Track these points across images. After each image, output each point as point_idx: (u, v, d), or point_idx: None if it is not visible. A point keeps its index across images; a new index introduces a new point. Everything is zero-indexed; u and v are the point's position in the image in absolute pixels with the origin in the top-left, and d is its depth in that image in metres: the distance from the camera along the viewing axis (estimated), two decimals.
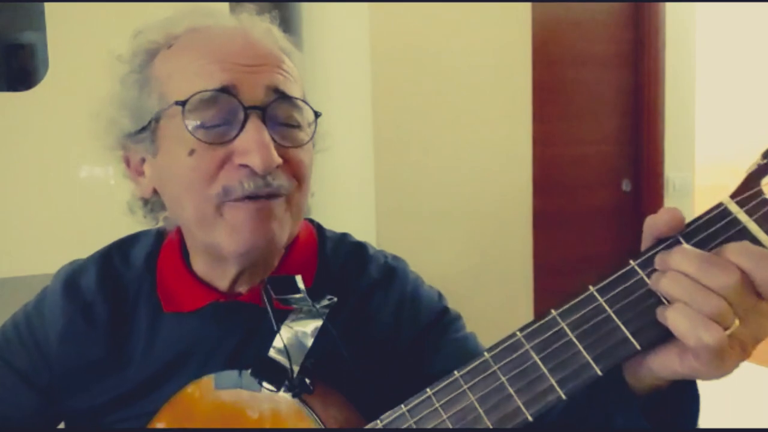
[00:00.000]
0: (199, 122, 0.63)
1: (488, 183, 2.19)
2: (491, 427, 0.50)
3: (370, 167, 2.04)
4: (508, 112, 2.21)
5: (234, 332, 0.70)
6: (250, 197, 0.63)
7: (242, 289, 0.71)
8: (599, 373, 0.48)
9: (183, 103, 0.63)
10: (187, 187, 0.64)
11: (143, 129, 0.66)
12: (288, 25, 2.57)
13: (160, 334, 0.72)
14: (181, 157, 0.64)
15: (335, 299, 0.66)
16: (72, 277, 0.76)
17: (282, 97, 0.65)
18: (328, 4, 2.18)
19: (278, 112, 0.65)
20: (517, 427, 0.50)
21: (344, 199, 2.24)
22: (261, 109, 0.64)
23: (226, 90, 0.63)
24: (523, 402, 0.50)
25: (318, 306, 0.65)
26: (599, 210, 2.49)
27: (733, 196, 0.49)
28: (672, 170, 2.61)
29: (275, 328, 0.64)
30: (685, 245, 0.48)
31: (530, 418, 0.49)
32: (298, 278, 0.64)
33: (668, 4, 2.52)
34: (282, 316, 0.67)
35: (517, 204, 2.25)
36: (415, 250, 2.07)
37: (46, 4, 1.74)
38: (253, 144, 0.62)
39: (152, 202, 0.71)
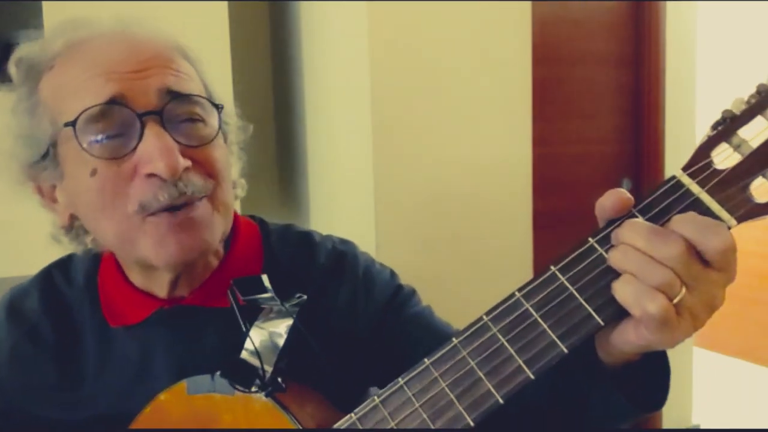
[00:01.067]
0: (94, 139, 0.61)
1: (488, 182, 2.18)
2: (463, 411, 0.51)
3: (368, 166, 2.03)
4: (508, 110, 2.20)
5: (183, 336, 0.70)
6: (169, 209, 0.61)
7: (183, 293, 0.70)
8: (565, 351, 0.49)
9: (73, 124, 0.61)
10: (101, 208, 0.63)
11: (43, 157, 0.64)
12: (286, 23, 2.54)
13: (112, 350, 0.71)
14: (85, 178, 0.62)
15: (304, 297, 0.65)
16: (14, 301, 0.76)
17: (177, 97, 0.63)
18: (327, 2, 2.17)
19: (176, 113, 0.63)
20: (490, 409, 0.50)
21: (342, 198, 2.23)
22: (157, 114, 0.61)
23: (115, 101, 0.60)
24: (493, 384, 0.50)
25: (287, 305, 0.64)
26: None
27: (685, 169, 0.50)
28: (672, 168, 2.58)
29: (244, 329, 0.64)
30: (636, 219, 0.49)
31: (501, 400, 0.50)
32: (264, 278, 0.63)
33: (669, 3, 2.51)
34: (226, 315, 0.67)
35: (517, 203, 2.24)
36: (414, 250, 2.07)
37: (44, 3, 1.74)
38: (155, 150, 0.60)
39: (75, 228, 0.69)
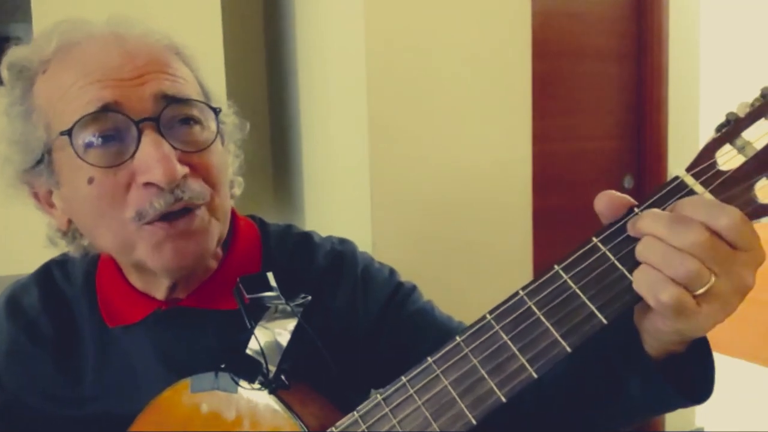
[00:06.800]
0: (90, 147, 0.60)
1: (487, 180, 2.15)
2: (465, 409, 0.51)
3: (365, 164, 2.00)
4: (507, 106, 2.18)
5: (179, 337, 0.70)
6: (167, 217, 0.61)
7: (181, 294, 0.70)
8: (568, 349, 0.49)
9: (68, 132, 0.60)
10: (98, 216, 0.62)
11: (38, 163, 0.64)
12: (281, 17, 2.51)
13: (110, 350, 0.72)
14: (82, 186, 0.61)
15: (309, 297, 0.66)
16: (14, 296, 0.76)
17: (173, 101, 0.62)
18: None
19: (173, 118, 0.62)
20: (492, 407, 0.51)
21: (339, 196, 2.21)
22: (154, 120, 0.60)
23: (110, 108, 0.60)
24: (495, 383, 0.51)
25: (292, 304, 0.64)
26: None
27: (688, 169, 0.51)
28: (675, 166, 2.57)
29: (249, 326, 0.64)
30: (656, 210, 0.49)
31: (503, 399, 0.50)
32: (270, 276, 0.64)
33: None
34: (224, 317, 0.68)
35: (517, 201, 2.21)
36: (412, 248, 2.05)
37: None
38: (152, 159, 0.59)
39: (71, 231, 0.69)
